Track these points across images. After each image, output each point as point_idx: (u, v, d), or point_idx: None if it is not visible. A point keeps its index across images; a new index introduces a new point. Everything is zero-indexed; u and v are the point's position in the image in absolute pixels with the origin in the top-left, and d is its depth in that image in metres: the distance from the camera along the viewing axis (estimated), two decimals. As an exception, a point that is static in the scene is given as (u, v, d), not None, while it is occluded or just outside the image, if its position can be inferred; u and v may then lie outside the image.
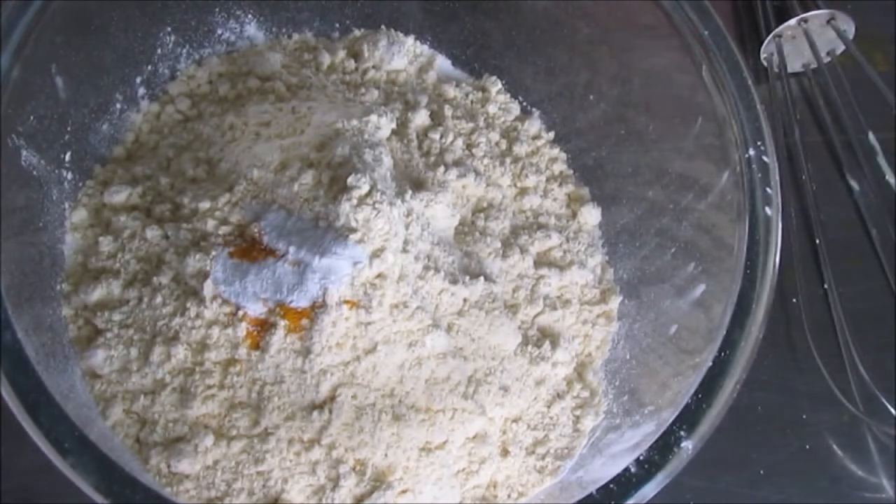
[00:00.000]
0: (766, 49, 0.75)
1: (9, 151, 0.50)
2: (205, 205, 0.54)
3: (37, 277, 0.51)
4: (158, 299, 0.52)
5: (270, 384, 0.50)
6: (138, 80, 0.61)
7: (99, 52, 0.56)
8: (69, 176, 0.56)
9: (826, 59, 0.75)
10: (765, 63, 0.76)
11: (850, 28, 0.74)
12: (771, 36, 0.74)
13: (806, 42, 0.74)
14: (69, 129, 0.55)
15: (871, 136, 0.72)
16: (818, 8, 0.74)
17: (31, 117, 0.51)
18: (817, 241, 0.69)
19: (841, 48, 0.75)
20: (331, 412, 0.50)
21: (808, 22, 0.73)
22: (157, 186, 0.57)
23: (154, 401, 0.51)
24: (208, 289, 0.51)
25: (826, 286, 0.68)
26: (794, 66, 0.76)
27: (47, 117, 0.53)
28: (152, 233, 0.54)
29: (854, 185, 0.73)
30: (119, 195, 0.56)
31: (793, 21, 0.73)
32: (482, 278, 0.55)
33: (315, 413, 0.50)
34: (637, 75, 0.61)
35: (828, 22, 0.74)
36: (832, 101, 0.75)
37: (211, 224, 0.53)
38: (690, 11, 0.52)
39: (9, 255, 0.47)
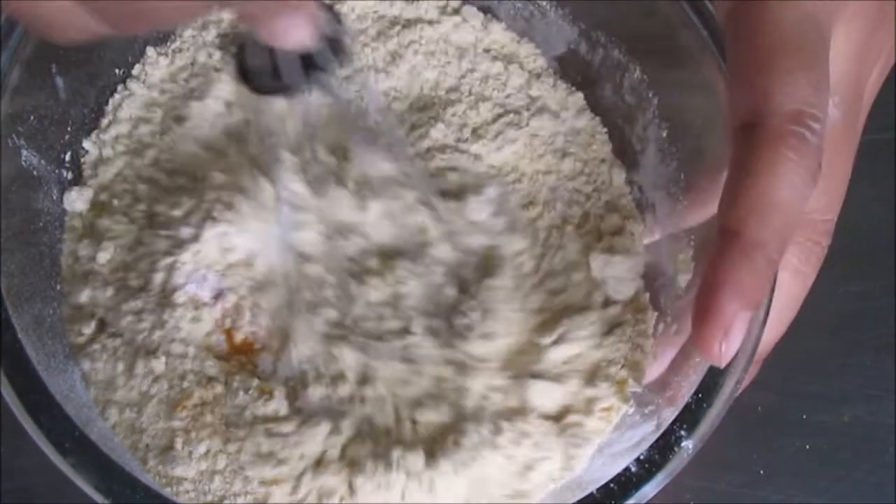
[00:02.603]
0: None
1: (9, 151, 0.49)
2: (178, 213, 0.53)
3: (37, 277, 0.51)
4: (139, 307, 0.51)
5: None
6: (138, 80, 0.60)
7: (99, 52, 0.56)
8: (69, 176, 0.56)
9: None
10: None
11: None
12: None
13: None
14: (69, 129, 0.55)
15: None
16: None
17: (31, 117, 0.51)
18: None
19: None
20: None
21: None
22: (135, 192, 0.55)
23: (141, 412, 0.50)
24: (185, 297, 0.51)
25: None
26: None
27: (47, 117, 0.53)
28: (130, 238, 0.53)
29: None
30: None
31: None
32: None
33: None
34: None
35: None
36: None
37: (186, 232, 0.52)
38: (691, 12, 0.52)
39: (9, 255, 0.47)
